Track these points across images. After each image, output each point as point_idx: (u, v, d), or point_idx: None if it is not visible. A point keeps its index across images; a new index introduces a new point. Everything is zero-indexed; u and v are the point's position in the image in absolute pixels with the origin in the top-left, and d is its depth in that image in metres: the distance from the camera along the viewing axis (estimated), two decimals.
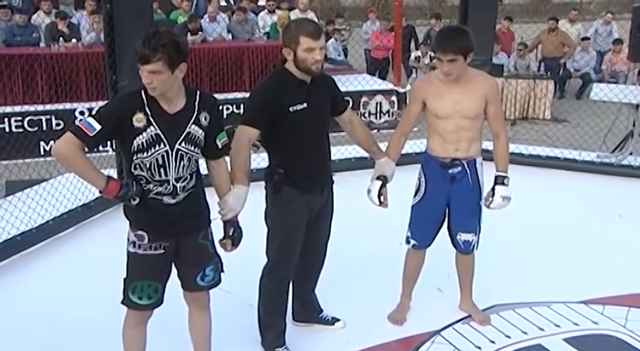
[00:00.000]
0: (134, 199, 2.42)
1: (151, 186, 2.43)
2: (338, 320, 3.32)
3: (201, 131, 2.45)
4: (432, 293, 3.60)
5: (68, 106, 7.47)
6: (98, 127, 2.30)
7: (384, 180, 3.11)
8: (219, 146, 2.56)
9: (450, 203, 3.19)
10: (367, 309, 3.44)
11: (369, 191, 3.11)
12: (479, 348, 3.17)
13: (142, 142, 2.36)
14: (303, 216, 2.90)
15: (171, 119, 2.39)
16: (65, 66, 7.74)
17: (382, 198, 3.10)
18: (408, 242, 3.29)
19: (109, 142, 7.03)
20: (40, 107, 7.39)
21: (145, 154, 2.37)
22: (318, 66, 2.75)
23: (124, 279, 2.54)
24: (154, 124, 2.36)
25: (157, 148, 2.37)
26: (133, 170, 2.42)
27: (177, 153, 2.40)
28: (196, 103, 2.44)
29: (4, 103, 7.52)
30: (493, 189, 3.13)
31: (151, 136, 2.36)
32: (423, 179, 3.19)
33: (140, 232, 2.48)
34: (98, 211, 4.66)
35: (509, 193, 3.12)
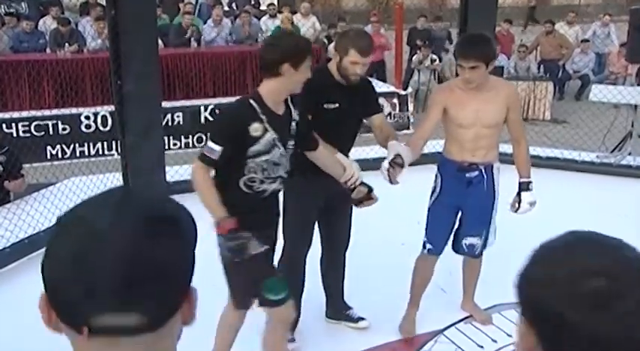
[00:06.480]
0: (245, 252, 2.45)
1: (265, 185, 2.55)
2: (363, 319, 3.39)
3: (295, 125, 2.63)
4: (435, 293, 3.63)
5: (74, 110, 7.53)
6: (219, 148, 2.45)
7: (398, 158, 2.96)
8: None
9: (463, 207, 3.18)
10: (372, 309, 3.48)
11: (382, 166, 2.98)
12: (481, 347, 3.21)
13: (261, 148, 2.50)
14: (316, 198, 3.04)
15: (281, 120, 2.55)
16: (71, 71, 7.81)
17: (393, 172, 2.94)
18: (424, 247, 3.25)
19: (114, 145, 7.22)
20: (47, 112, 7.45)
21: (265, 157, 2.51)
22: (357, 78, 2.91)
23: (252, 286, 2.60)
24: (271, 129, 2.50)
25: (274, 150, 2.52)
26: (245, 173, 2.51)
27: (287, 150, 2.58)
28: (289, 102, 2.61)
29: (11, 108, 7.58)
30: (519, 195, 3.15)
31: (269, 141, 2.50)
32: (439, 180, 3.19)
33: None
34: None
35: (534, 198, 3.16)
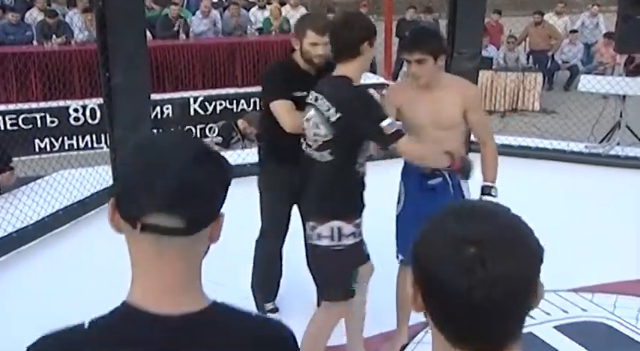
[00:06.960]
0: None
1: (364, 168, 2.58)
2: None
3: None
4: None
5: (62, 103, 7.49)
6: (391, 118, 2.50)
7: None
8: None
9: (429, 214, 2.98)
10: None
11: None
12: None
13: None
14: (285, 185, 3.00)
15: None
16: (58, 64, 7.76)
17: None
18: (397, 257, 3.12)
19: (103, 138, 7.19)
20: (34, 105, 7.41)
21: None
22: (321, 60, 2.88)
23: (349, 274, 2.60)
24: None
25: None
26: (357, 157, 2.53)
27: None
28: None
29: None
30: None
31: None
32: (402, 189, 3.05)
33: (358, 221, 2.58)
34: (93, 208, 4.68)
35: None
